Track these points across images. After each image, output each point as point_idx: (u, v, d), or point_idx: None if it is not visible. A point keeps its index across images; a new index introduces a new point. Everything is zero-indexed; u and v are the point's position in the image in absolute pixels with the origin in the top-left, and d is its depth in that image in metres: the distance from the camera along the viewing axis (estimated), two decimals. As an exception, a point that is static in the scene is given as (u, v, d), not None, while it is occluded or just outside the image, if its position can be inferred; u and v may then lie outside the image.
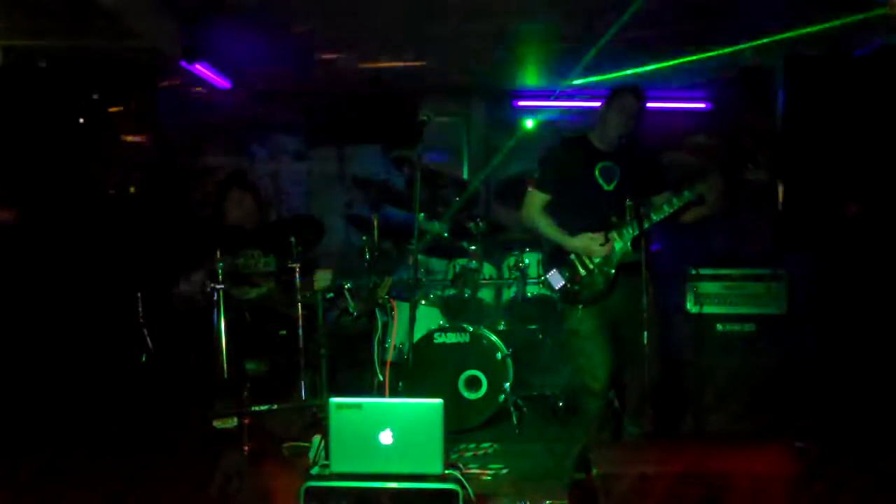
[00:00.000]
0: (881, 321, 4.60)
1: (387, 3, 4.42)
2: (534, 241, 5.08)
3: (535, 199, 3.88)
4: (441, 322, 4.82)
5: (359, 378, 4.93)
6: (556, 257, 3.84)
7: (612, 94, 3.80)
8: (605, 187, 3.77)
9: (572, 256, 3.79)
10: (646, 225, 3.63)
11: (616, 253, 3.72)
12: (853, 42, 5.02)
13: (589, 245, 3.73)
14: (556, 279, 3.82)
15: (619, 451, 3.38)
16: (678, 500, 2.82)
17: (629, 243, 3.69)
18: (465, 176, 6.96)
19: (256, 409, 4.12)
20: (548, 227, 3.84)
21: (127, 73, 5.94)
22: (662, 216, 3.66)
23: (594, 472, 2.89)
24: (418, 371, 4.46)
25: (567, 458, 3.82)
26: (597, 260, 3.75)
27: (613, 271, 3.72)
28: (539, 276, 5.06)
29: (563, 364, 4.91)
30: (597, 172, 3.77)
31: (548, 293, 4.66)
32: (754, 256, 4.48)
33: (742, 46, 5.11)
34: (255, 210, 4.76)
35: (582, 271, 3.78)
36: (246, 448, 4.02)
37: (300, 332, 4.26)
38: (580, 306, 3.77)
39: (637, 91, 3.79)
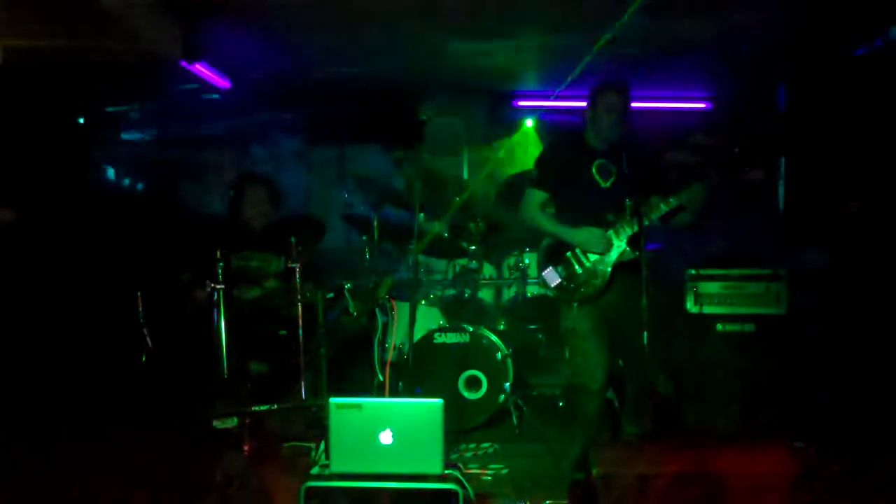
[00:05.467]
0: (882, 320, 4.60)
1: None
2: (534, 240, 5.08)
3: (534, 198, 3.88)
4: (441, 322, 4.82)
5: (359, 378, 4.93)
6: (552, 255, 3.84)
7: (595, 94, 3.79)
8: (602, 185, 3.77)
9: (569, 254, 3.79)
10: (644, 223, 3.63)
11: (613, 251, 3.72)
12: (853, 42, 5.02)
13: (590, 238, 3.72)
14: (552, 277, 3.82)
15: (618, 451, 3.39)
16: (678, 500, 2.82)
17: (626, 242, 3.70)
18: (465, 176, 6.96)
19: (257, 409, 4.12)
20: (548, 223, 3.84)
21: (127, 72, 5.93)
22: (659, 215, 3.67)
23: (594, 471, 2.90)
24: (418, 371, 4.47)
25: (567, 458, 3.82)
26: (593, 258, 3.75)
27: (610, 270, 3.72)
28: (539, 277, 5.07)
29: (563, 364, 4.91)
30: (594, 170, 3.78)
31: (549, 294, 4.66)
32: (754, 256, 4.47)
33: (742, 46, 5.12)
34: (269, 204, 4.74)
35: (578, 269, 3.78)
36: (246, 448, 4.02)
37: (300, 332, 4.26)
38: (575, 304, 3.77)
39: (618, 86, 3.78)
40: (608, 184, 3.76)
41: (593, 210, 3.75)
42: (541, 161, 3.98)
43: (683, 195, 3.63)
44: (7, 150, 5.29)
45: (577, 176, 3.79)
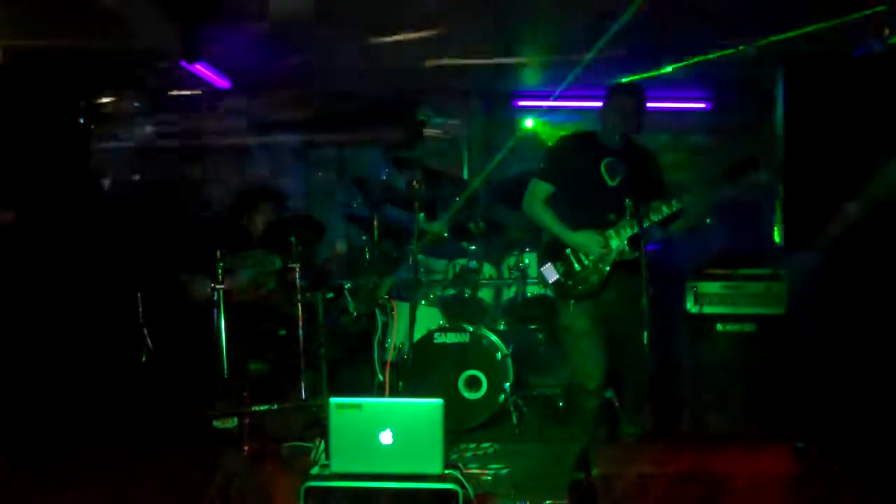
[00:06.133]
0: (882, 320, 4.60)
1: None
2: (534, 240, 5.08)
3: (539, 189, 3.88)
4: (441, 322, 4.82)
5: (359, 378, 4.93)
6: (552, 251, 3.85)
7: (609, 93, 3.80)
8: (610, 183, 3.77)
9: (568, 251, 3.80)
10: (645, 224, 3.63)
11: (612, 251, 3.72)
12: (853, 42, 5.02)
13: (588, 243, 3.73)
14: (551, 273, 3.82)
15: (618, 451, 3.39)
16: (677, 500, 2.82)
17: (626, 242, 3.70)
18: (465, 176, 6.96)
19: (257, 409, 4.12)
20: (549, 220, 3.84)
21: (127, 72, 5.94)
22: (660, 217, 3.67)
23: (594, 471, 2.89)
24: (418, 371, 4.47)
25: (567, 458, 3.82)
26: (592, 256, 3.75)
27: (608, 269, 3.72)
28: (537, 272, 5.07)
29: (563, 364, 4.90)
30: (602, 167, 3.78)
31: (547, 292, 4.66)
32: (754, 256, 4.47)
33: (742, 47, 5.11)
34: (275, 215, 4.78)
35: (577, 266, 3.78)
36: (246, 448, 4.03)
37: (300, 332, 4.26)
38: (572, 301, 3.78)
39: (633, 89, 3.80)
40: (615, 182, 3.76)
41: (597, 208, 3.75)
42: (550, 153, 3.99)
43: (686, 199, 3.63)
44: (7, 151, 5.29)
45: (584, 172, 3.80)
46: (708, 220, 3.74)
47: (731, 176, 3.60)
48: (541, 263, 3.89)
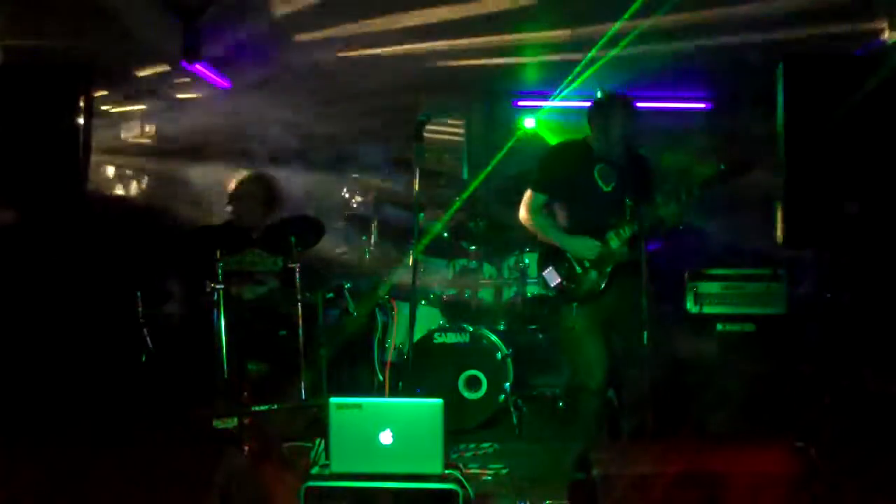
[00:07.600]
0: (881, 320, 4.60)
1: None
2: (534, 240, 5.08)
3: (533, 200, 3.89)
4: (441, 322, 4.82)
5: (359, 378, 4.93)
6: (553, 255, 3.85)
7: (605, 106, 3.77)
8: (604, 188, 3.78)
9: (569, 254, 3.80)
10: (645, 224, 3.61)
11: (613, 252, 3.72)
12: (853, 42, 5.03)
13: (583, 247, 3.73)
14: (552, 277, 3.83)
15: (618, 451, 3.38)
16: (678, 500, 2.82)
17: (625, 243, 3.70)
18: (465, 176, 6.96)
19: (257, 409, 4.12)
20: (544, 227, 3.85)
21: (126, 72, 5.93)
22: (670, 208, 3.65)
23: (594, 472, 2.89)
24: (418, 371, 4.47)
25: (567, 458, 3.82)
26: (592, 258, 3.75)
27: (609, 270, 3.73)
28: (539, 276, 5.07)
29: (563, 364, 4.90)
30: (596, 174, 3.78)
31: (550, 295, 4.66)
32: (754, 256, 4.47)
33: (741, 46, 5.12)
34: (261, 203, 4.74)
35: (578, 269, 3.78)
36: (246, 448, 4.02)
37: (300, 332, 4.26)
38: (575, 304, 3.78)
39: (624, 98, 3.78)
40: (609, 188, 3.77)
41: (595, 213, 3.75)
42: (542, 164, 3.98)
43: (706, 169, 3.61)
44: (5, 151, 5.28)
45: (578, 180, 3.80)
46: (681, 227, 3.72)
47: (727, 177, 3.60)
48: (542, 268, 3.90)
